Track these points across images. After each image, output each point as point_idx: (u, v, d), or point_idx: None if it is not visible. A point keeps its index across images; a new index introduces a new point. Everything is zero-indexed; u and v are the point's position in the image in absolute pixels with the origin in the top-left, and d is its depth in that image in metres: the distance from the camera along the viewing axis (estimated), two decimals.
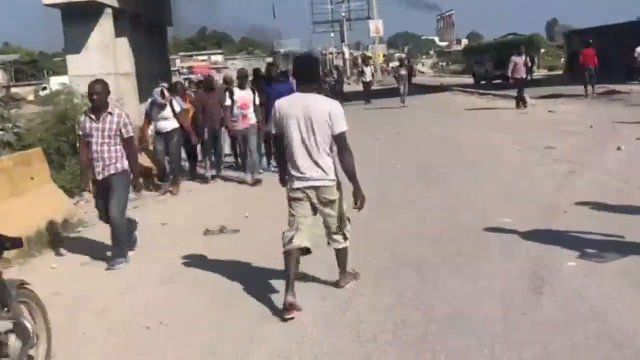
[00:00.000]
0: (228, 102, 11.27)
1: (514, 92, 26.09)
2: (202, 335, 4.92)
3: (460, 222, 7.49)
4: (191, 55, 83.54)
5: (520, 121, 17.91)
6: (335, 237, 5.47)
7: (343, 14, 63.79)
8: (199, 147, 12.67)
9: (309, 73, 5.38)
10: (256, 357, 4.51)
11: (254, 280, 6.10)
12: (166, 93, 10.85)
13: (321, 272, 5.99)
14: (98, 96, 6.87)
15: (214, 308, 5.46)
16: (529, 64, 23.66)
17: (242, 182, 11.46)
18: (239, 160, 12.78)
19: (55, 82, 61.76)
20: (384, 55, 74.37)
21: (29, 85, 60.74)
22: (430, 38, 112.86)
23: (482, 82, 39.31)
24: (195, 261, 6.88)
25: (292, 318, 5.00)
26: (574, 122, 16.03)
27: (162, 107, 10.83)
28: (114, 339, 4.98)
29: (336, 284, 5.65)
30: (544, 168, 10.41)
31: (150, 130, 11.63)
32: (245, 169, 11.57)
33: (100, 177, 7.01)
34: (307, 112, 5.12)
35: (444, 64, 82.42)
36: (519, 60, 20.19)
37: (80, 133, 7.27)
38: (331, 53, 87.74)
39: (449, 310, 4.94)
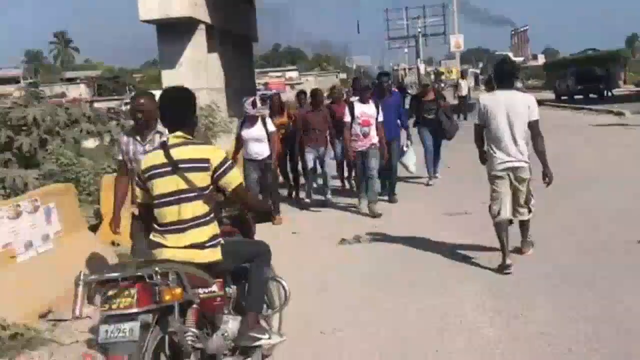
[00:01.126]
0: (348, 118, 9.51)
1: (606, 107, 25.39)
2: (379, 343, 4.85)
3: (614, 238, 7.18)
4: (266, 72, 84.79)
5: None
6: (521, 210, 6.50)
7: (419, 30, 63.44)
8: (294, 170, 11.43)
9: (510, 74, 6.58)
10: None
11: (413, 288, 6.02)
12: (259, 103, 9.10)
13: (487, 292, 5.89)
14: (143, 114, 5.43)
15: (380, 316, 5.38)
16: None
17: (352, 207, 10.06)
18: (347, 184, 11.88)
19: None
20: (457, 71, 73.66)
21: (110, 100, 62.66)
22: (504, 53, 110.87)
23: (563, 97, 38.32)
24: (343, 269, 6.85)
25: (510, 273, 6.14)
26: None
27: (253, 122, 9.11)
28: (292, 344, 4.94)
29: (518, 251, 6.68)
30: None
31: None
32: (359, 195, 9.89)
33: None
34: (509, 105, 6.26)
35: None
36: None
37: (120, 157, 5.72)
38: (403, 69, 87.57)
39: None
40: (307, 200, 10.77)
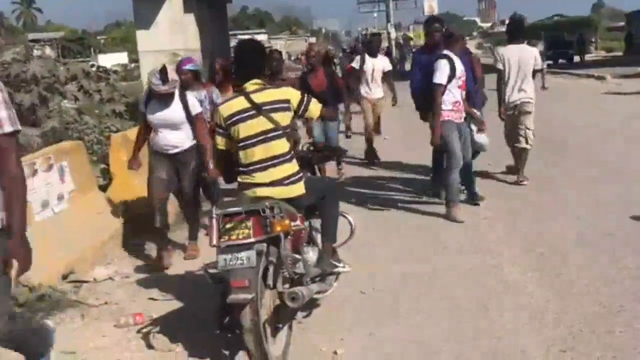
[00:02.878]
0: (443, 79, 6.68)
1: (588, 71, 25.32)
2: (425, 302, 4.79)
3: None
4: (235, 34, 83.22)
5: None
6: (520, 139, 7.99)
7: None
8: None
9: (520, 31, 8.46)
10: (498, 326, 4.36)
11: (446, 250, 5.98)
12: (171, 75, 5.79)
13: (522, 252, 5.85)
14: None
15: (419, 277, 5.31)
16: None
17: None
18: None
19: (102, 60, 62.34)
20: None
21: (76, 62, 61.19)
22: (472, 19, 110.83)
23: None
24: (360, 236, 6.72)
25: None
26: None
27: (163, 100, 5.89)
28: (330, 302, 4.84)
29: (516, 182, 8.10)
30: None
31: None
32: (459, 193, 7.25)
33: None
34: (520, 56, 7.92)
35: (489, 45, 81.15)
36: None
37: None
38: (372, 34, 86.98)
39: None
40: None
